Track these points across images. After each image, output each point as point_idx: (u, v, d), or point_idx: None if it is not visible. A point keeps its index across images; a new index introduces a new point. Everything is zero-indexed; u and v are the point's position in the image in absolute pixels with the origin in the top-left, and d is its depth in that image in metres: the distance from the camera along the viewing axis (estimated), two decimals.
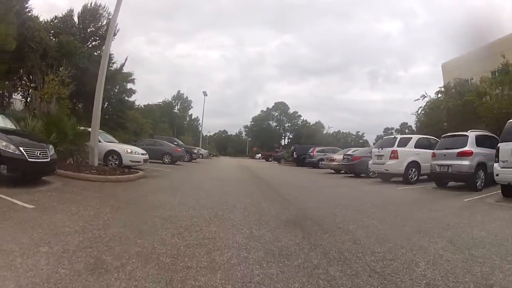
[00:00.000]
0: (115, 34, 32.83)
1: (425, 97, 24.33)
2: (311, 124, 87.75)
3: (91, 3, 32.00)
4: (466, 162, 9.59)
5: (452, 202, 7.77)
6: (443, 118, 22.80)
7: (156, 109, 48.77)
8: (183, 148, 22.37)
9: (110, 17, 32.22)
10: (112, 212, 4.81)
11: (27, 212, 4.37)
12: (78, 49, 26.04)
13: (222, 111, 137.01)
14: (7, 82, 18.69)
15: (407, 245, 3.70)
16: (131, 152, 12.22)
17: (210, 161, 34.47)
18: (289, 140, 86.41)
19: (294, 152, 30.27)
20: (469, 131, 10.63)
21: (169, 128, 47.59)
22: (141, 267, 2.67)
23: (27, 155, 6.17)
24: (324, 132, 79.92)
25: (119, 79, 32.47)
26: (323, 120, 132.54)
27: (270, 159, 45.76)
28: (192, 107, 78.84)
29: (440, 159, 10.43)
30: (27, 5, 20.73)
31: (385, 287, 2.51)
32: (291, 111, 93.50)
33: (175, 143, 22.98)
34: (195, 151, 28.61)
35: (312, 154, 25.17)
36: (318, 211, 5.89)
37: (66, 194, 6.10)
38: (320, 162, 22.03)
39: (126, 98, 34.88)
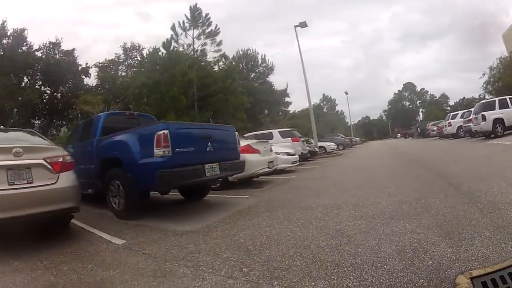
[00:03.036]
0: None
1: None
2: (437, 97, 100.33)
3: (129, 42, 38.23)
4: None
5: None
6: None
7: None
8: (347, 139, 34.81)
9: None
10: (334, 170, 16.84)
11: None
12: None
13: (358, 96, 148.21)
14: None
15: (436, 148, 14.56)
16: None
17: (363, 145, 45.79)
18: (424, 116, 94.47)
19: (418, 128, 40.31)
20: None
21: (325, 126, 60.01)
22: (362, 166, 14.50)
23: None
24: (451, 102, 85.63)
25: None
26: (453, 84, 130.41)
27: (406, 136, 55.86)
28: (337, 104, 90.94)
29: None
30: None
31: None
32: (418, 88, 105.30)
33: (341, 136, 35.42)
34: (353, 140, 40.76)
35: (427, 128, 34.03)
36: (413, 152, 16.78)
37: None
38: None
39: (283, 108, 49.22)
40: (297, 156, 12.78)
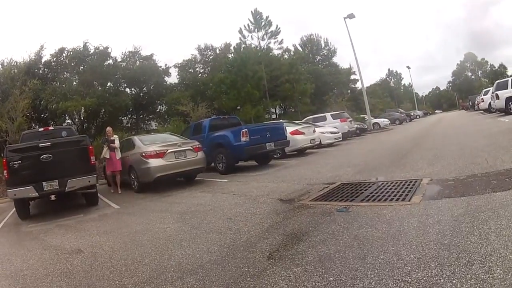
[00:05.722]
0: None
1: None
2: (496, 67, 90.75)
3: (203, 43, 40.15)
4: None
5: None
6: None
7: (378, 87, 63.59)
8: (404, 114, 37.10)
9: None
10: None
11: None
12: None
13: (429, 65, 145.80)
14: None
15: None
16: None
17: (423, 119, 46.92)
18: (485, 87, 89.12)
19: (469, 102, 40.11)
20: None
21: (391, 100, 61.33)
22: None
23: None
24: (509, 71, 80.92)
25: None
26: None
27: (466, 109, 53.50)
28: (403, 78, 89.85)
29: None
30: None
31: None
32: (479, 58, 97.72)
33: (400, 111, 37.73)
34: (412, 114, 42.74)
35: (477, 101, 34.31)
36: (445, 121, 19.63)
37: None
38: None
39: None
40: (340, 134, 16.86)
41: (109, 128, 10.30)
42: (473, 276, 2.13)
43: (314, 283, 2.38)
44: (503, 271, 2.13)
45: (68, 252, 4.23)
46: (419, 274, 2.25)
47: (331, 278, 2.40)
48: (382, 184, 5.40)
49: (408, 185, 5.02)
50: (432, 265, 2.35)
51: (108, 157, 9.68)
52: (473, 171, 5.05)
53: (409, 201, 4.12)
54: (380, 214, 3.72)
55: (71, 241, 4.80)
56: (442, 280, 2.13)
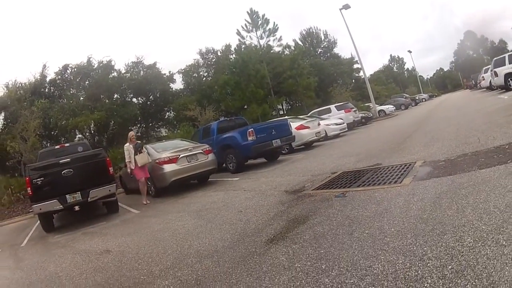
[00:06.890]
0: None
1: None
2: (496, 43, 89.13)
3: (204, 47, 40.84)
4: None
5: None
6: None
7: (381, 74, 63.61)
8: (409, 99, 37.18)
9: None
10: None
11: None
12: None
13: (431, 47, 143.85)
14: None
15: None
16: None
17: (428, 102, 46.71)
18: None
19: (472, 80, 39.62)
20: None
21: (396, 86, 61.16)
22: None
23: None
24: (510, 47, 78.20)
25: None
26: None
27: (470, 88, 52.90)
28: (405, 62, 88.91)
29: None
30: None
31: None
32: (479, 35, 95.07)
33: (404, 96, 37.78)
34: (417, 98, 42.74)
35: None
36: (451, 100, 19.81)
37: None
38: None
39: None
40: (345, 124, 17.22)
41: (132, 133, 9.82)
42: (443, 244, 2.41)
43: (308, 255, 2.84)
44: (473, 240, 2.36)
45: (98, 253, 4.78)
46: (396, 244, 2.64)
47: (322, 251, 2.86)
48: (379, 169, 5.77)
49: (403, 168, 5.37)
50: (409, 235, 2.72)
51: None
52: (464, 151, 5.31)
53: (400, 183, 4.44)
54: (372, 196, 4.14)
55: (98, 245, 5.34)
56: (415, 248, 2.48)
